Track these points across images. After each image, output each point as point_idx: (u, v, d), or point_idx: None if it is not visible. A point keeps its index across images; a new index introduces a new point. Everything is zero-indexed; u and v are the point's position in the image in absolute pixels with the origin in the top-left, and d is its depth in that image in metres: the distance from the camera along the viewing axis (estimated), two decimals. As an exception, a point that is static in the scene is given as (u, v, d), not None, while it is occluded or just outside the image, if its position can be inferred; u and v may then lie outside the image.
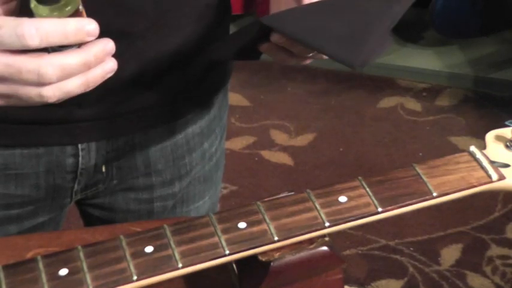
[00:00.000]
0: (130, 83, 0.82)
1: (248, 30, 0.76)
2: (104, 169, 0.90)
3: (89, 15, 0.69)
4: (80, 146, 0.86)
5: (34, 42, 0.57)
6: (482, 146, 0.72)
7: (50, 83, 0.59)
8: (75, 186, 0.91)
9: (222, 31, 0.90)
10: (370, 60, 0.70)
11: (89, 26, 0.59)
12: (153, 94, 0.86)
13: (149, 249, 0.60)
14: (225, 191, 2.16)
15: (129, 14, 0.77)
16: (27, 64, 0.58)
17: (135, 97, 0.85)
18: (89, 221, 1.01)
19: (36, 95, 0.59)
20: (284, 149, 2.39)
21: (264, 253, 0.62)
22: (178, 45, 0.83)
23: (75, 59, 0.59)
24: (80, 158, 0.87)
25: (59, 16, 0.59)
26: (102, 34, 0.65)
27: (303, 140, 2.42)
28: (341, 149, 2.37)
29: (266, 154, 2.37)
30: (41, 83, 0.59)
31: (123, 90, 0.83)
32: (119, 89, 0.81)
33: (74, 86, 0.60)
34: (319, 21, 0.71)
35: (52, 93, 0.59)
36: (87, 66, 0.60)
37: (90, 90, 0.63)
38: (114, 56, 0.62)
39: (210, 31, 0.86)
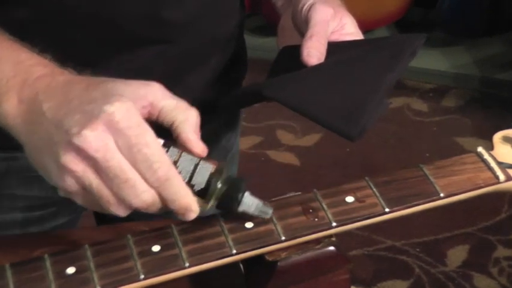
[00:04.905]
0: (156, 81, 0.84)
1: (251, 91, 0.81)
2: None
3: (127, 27, 0.75)
4: None
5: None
6: (489, 147, 0.71)
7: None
8: None
9: (239, 30, 0.93)
10: (367, 128, 0.70)
11: (190, 214, 0.60)
12: (177, 92, 0.88)
13: (156, 248, 0.60)
14: (231, 191, 2.15)
15: (161, 25, 0.80)
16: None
17: None
18: (106, 220, 1.01)
19: (115, 209, 0.59)
20: (290, 149, 2.39)
21: (270, 253, 0.62)
22: (202, 46, 0.86)
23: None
24: None
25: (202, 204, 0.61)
26: (137, 42, 0.69)
27: (309, 140, 2.42)
28: (347, 149, 2.36)
29: (272, 154, 2.37)
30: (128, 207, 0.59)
31: None
32: None
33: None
34: (316, 93, 0.73)
35: (124, 213, 0.60)
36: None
37: None
38: (147, 61, 0.62)
39: (230, 31, 0.90)
